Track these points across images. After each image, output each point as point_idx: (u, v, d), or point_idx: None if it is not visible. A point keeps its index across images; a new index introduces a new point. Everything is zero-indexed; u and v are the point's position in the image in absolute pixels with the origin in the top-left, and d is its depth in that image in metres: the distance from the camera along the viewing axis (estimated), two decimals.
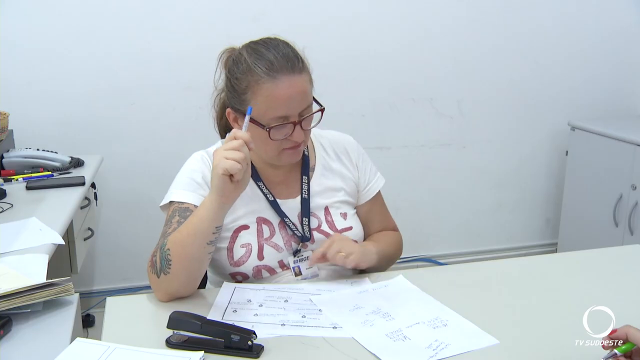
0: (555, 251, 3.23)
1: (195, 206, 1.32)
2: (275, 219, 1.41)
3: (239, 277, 1.39)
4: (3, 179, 2.11)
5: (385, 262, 1.47)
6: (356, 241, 1.46)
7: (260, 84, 1.27)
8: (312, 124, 1.36)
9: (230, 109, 1.36)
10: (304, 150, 1.45)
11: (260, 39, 1.35)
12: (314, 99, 1.34)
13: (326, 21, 2.71)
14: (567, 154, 3.09)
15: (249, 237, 1.38)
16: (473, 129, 3.09)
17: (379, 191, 1.56)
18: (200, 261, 1.24)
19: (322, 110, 1.35)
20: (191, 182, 1.37)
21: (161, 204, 1.38)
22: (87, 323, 2.58)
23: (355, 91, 2.84)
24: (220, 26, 2.62)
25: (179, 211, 1.32)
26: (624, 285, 1.35)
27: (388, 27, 2.84)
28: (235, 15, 2.63)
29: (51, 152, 2.29)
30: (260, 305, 1.21)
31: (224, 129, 1.53)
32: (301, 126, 1.31)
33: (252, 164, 1.41)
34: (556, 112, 3.17)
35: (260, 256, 1.37)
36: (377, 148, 2.95)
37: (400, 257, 1.58)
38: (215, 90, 1.49)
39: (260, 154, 1.38)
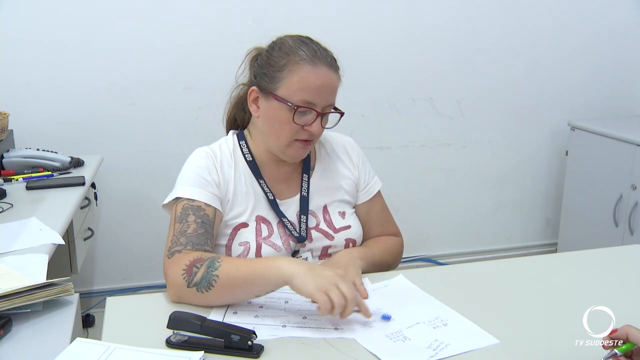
0: (555, 251, 3.23)
1: (207, 204, 1.32)
2: (274, 219, 1.41)
3: None
4: (3, 179, 2.11)
5: (376, 269, 1.43)
6: (355, 242, 1.46)
7: (300, 65, 1.31)
8: (329, 125, 1.39)
9: (255, 88, 1.38)
10: None
11: (304, 35, 1.40)
12: (335, 106, 1.38)
13: (326, 21, 2.72)
14: (567, 154, 3.09)
15: (247, 236, 1.38)
16: (473, 129, 3.09)
17: (379, 194, 1.56)
18: (238, 301, 1.22)
19: (342, 113, 1.39)
20: (199, 178, 1.36)
21: (165, 202, 1.37)
22: (87, 323, 2.58)
23: (355, 91, 2.83)
24: (220, 26, 2.63)
25: (192, 209, 1.31)
26: (624, 285, 1.35)
27: (388, 26, 2.84)
28: (235, 15, 2.63)
29: (51, 152, 2.29)
30: (261, 307, 1.21)
31: (231, 124, 1.54)
32: (321, 121, 1.33)
33: (254, 161, 1.42)
34: (556, 112, 3.17)
35: (258, 255, 1.37)
36: (377, 148, 2.96)
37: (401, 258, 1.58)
38: (236, 84, 1.50)
39: (270, 140, 1.39)
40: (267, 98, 1.35)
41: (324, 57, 1.33)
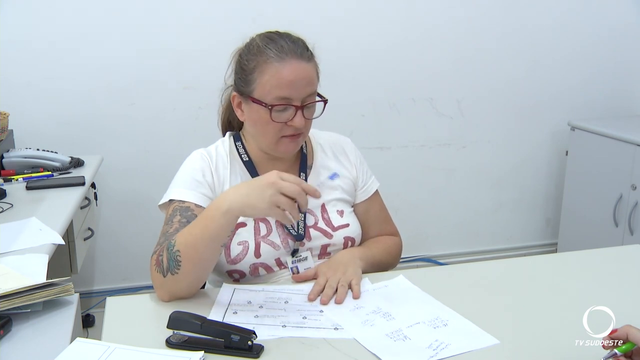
0: (555, 251, 3.23)
1: (197, 205, 1.33)
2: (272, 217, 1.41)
3: (235, 275, 1.39)
4: (3, 179, 2.11)
5: (375, 269, 1.43)
6: (351, 237, 1.46)
7: (269, 64, 1.30)
8: (315, 115, 1.37)
9: (236, 93, 1.38)
10: (303, 149, 1.47)
11: (274, 30, 1.38)
12: (318, 94, 1.36)
13: (326, 21, 2.72)
14: (567, 154, 3.09)
15: (246, 235, 1.38)
16: (473, 129, 3.09)
17: (377, 194, 1.56)
18: (212, 262, 1.24)
19: (325, 101, 1.37)
20: (192, 180, 1.37)
21: (160, 203, 1.39)
22: (87, 323, 2.58)
23: (355, 91, 2.84)
24: (220, 26, 2.62)
25: (180, 210, 1.32)
26: (624, 285, 1.35)
27: (388, 26, 2.84)
28: (235, 15, 2.63)
29: (51, 152, 2.29)
30: (261, 307, 1.21)
31: (226, 126, 1.54)
32: (303, 113, 1.32)
33: (250, 160, 1.43)
34: (556, 112, 3.17)
35: (257, 254, 1.37)
36: (377, 148, 2.95)
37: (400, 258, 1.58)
38: (225, 86, 1.50)
39: (259, 141, 1.40)
40: (246, 101, 1.36)
41: (292, 51, 1.31)
